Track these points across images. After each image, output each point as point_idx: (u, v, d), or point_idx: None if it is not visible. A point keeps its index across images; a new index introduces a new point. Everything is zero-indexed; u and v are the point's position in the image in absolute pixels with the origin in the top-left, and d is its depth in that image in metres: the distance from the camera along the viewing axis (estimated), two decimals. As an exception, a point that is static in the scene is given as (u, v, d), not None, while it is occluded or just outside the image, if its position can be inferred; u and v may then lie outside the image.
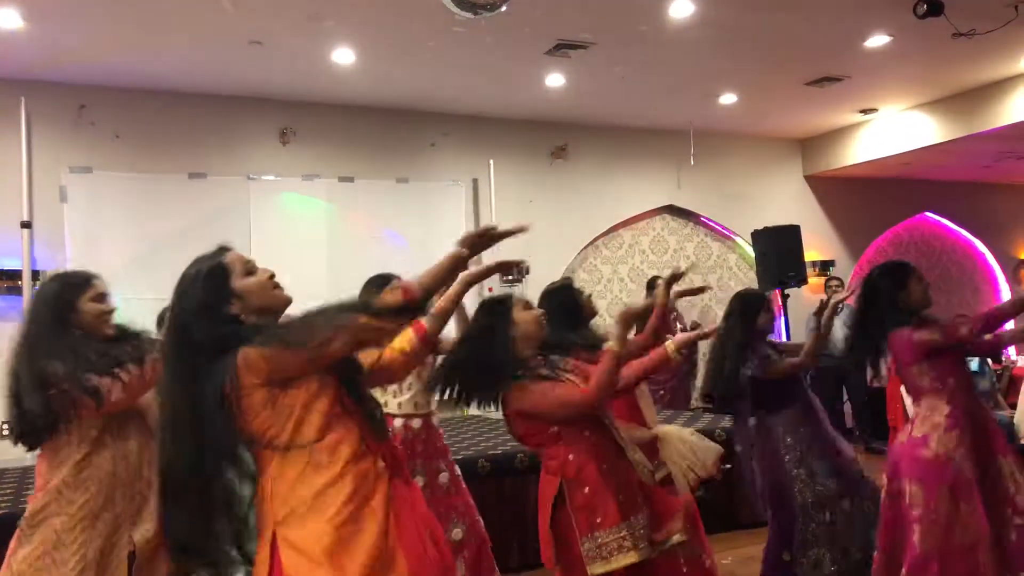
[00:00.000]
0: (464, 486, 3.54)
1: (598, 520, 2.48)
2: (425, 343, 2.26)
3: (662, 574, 2.53)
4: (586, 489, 2.51)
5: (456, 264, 1.97)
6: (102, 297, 2.54)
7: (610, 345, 2.50)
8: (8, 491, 4.20)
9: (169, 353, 1.95)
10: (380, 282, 3.37)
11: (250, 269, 1.98)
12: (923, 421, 3.09)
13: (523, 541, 4.58)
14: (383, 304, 1.92)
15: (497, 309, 2.64)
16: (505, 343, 2.58)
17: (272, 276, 2.02)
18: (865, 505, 3.55)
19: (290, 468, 1.88)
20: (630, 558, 2.45)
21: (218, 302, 1.92)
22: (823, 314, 3.57)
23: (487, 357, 2.56)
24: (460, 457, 4.68)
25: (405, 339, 2.21)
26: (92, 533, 2.42)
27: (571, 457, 2.54)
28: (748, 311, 3.69)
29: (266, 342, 1.85)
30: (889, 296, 3.17)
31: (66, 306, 2.47)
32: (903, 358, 3.16)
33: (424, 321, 2.22)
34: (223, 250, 2.00)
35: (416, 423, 3.41)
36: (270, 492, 1.89)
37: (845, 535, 3.53)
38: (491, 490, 4.55)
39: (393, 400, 3.37)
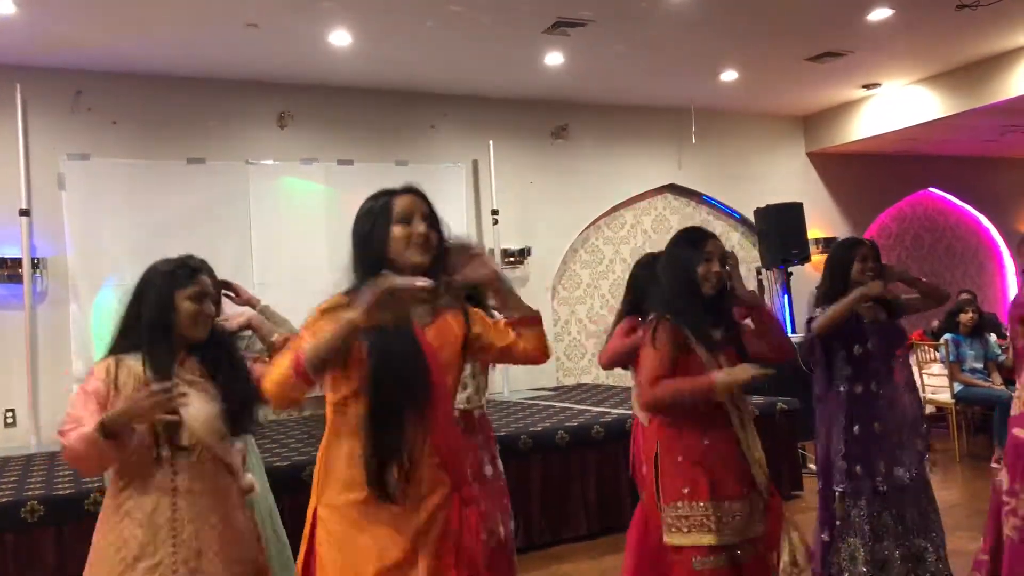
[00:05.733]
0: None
1: (685, 491, 2.39)
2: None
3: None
4: (679, 457, 2.43)
5: (352, 334, 1.75)
6: (201, 296, 2.17)
7: (719, 376, 2.35)
8: (12, 479, 4.20)
9: None
10: None
11: (404, 217, 1.91)
12: (1018, 397, 2.88)
13: (553, 517, 4.64)
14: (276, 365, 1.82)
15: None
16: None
17: (418, 235, 1.89)
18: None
19: (333, 449, 1.90)
20: (707, 539, 2.35)
21: (367, 238, 1.91)
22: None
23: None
24: (501, 434, 4.70)
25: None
26: None
27: (669, 419, 2.47)
28: (838, 263, 3.34)
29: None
30: None
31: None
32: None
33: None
34: (405, 190, 1.95)
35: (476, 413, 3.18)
36: (320, 465, 1.92)
37: (890, 530, 3.19)
38: (534, 466, 4.66)
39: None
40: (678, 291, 2.52)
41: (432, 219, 1.93)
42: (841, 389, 3.30)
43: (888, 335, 3.31)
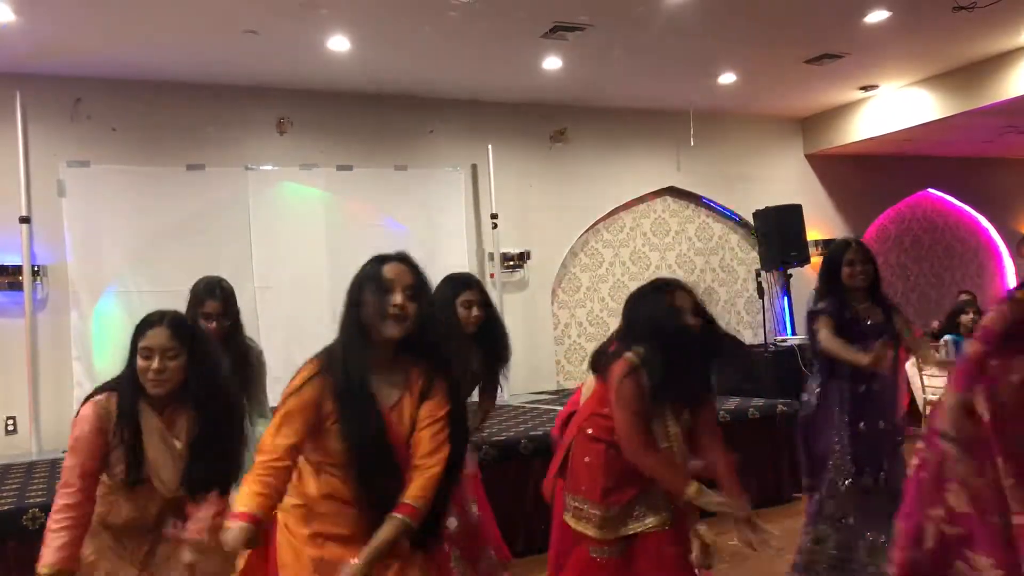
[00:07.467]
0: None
1: (582, 488, 2.56)
2: None
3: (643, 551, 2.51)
4: (586, 459, 2.58)
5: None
6: (149, 352, 2.08)
7: (691, 492, 2.37)
8: (14, 486, 4.20)
9: None
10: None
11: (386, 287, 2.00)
12: None
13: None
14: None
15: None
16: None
17: (395, 306, 1.97)
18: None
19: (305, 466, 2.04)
20: (589, 530, 2.52)
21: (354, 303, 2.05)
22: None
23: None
24: (502, 438, 4.80)
25: None
26: None
27: (593, 433, 2.60)
28: (830, 264, 3.50)
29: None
30: None
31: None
32: None
33: None
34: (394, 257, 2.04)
35: None
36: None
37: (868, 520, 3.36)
38: (534, 470, 4.64)
39: None
40: (651, 342, 2.47)
41: (416, 290, 1.96)
42: (843, 388, 3.40)
43: (886, 336, 3.40)
